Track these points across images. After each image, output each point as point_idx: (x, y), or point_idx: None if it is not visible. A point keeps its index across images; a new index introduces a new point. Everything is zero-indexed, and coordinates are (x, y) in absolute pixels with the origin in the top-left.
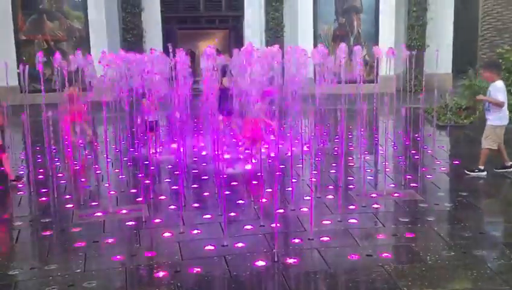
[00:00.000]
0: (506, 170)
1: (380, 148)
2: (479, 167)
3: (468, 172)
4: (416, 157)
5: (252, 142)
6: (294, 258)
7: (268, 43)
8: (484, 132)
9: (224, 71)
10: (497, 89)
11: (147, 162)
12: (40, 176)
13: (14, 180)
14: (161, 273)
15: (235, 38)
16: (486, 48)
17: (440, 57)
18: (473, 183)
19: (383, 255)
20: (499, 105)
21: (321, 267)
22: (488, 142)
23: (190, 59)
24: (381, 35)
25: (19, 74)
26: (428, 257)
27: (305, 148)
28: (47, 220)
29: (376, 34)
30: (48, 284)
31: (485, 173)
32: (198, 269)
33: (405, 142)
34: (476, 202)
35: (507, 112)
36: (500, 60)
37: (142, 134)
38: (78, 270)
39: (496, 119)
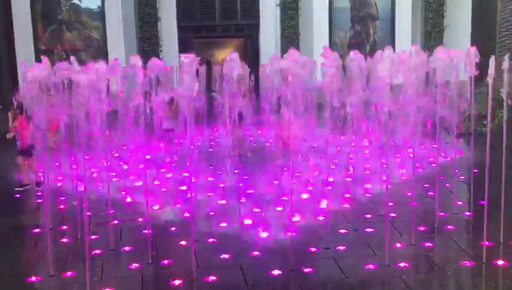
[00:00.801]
0: None
1: None
2: None
3: None
4: None
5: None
6: None
7: (283, 51)
8: None
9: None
10: None
11: None
12: None
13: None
14: None
15: (251, 47)
16: (504, 54)
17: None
18: None
19: None
20: None
21: None
22: None
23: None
24: (397, 43)
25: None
26: None
27: None
28: None
29: (392, 41)
30: None
31: None
32: None
33: None
34: None
35: None
36: None
37: None
38: None
39: None
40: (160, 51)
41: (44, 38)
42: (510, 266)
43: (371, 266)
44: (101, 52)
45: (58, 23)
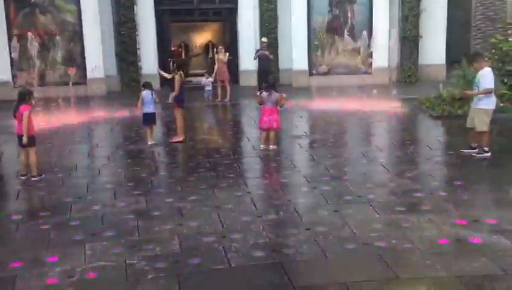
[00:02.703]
0: (471, 151)
1: None
2: (485, 148)
3: (475, 154)
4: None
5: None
6: None
7: (262, 36)
8: (475, 116)
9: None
10: (484, 76)
11: None
12: None
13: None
14: None
15: (229, 31)
16: (479, 38)
17: (433, 47)
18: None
19: None
20: (488, 92)
21: None
22: (484, 125)
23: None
24: (374, 26)
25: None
26: None
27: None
28: None
29: (370, 25)
30: None
31: (489, 153)
32: None
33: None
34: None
35: (494, 97)
36: (493, 50)
37: None
38: None
39: (487, 103)
40: (137, 35)
41: (17, 22)
42: (484, 243)
43: (350, 246)
44: (76, 37)
45: (31, 7)
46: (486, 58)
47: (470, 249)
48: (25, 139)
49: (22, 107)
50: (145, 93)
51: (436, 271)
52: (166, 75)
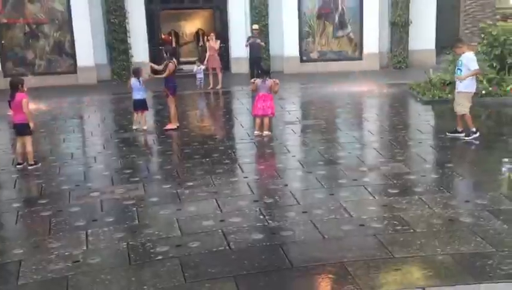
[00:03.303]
0: (457, 134)
1: None
2: (472, 129)
3: (465, 137)
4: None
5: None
6: None
7: (252, 22)
8: (456, 100)
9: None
10: (470, 59)
11: None
12: None
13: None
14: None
15: (219, 18)
16: (469, 22)
17: (423, 33)
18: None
19: None
20: (478, 73)
21: None
22: (464, 108)
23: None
24: (365, 12)
25: (1, 57)
26: None
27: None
28: None
29: (360, 11)
30: None
31: (477, 133)
32: None
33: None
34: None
35: (475, 81)
36: (482, 35)
37: None
38: None
39: (468, 86)
40: (127, 23)
41: (5, 11)
42: (475, 223)
43: (346, 227)
44: (65, 25)
45: None
46: (472, 43)
47: (462, 229)
48: (32, 126)
49: (19, 96)
50: (134, 81)
51: (429, 250)
52: (157, 67)
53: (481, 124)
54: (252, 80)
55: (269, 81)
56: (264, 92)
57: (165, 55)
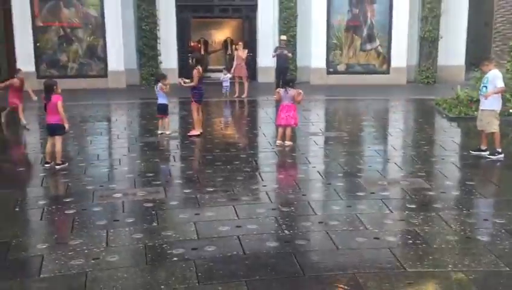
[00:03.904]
0: (481, 153)
1: None
2: (497, 150)
3: (489, 156)
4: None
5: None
6: None
7: (281, 33)
8: (483, 118)
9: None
10: (496, 76)
11: None
12: None
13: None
14: None
15: (248, 28)
16: (499, 40)
17: (453, 48)
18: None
19: None
20: (504, 91)
21: None
22: (493, 126)
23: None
24: (394, 26)
25: (36, 59)
26: None
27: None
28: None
29: (389, 24)
30: None
31: (502, 155)
32: None
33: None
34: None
35: (500, 98)
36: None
37: None
38: None
39: (493, 104)
40: (158, 30)
41: (42, 15)
42: (492, 241)
43: (361, 239)
44: (98, 30)
45: (55, 0)
46: (501, 61)
47: (478, 247)
48: (67, 127)
49: (55, 97)
50: (156, 86)
51: (443, 266)
52: (188, 82)
53: (508, 143)
54: (277, 90)
55: (292, 91)
56: (287, 102)
57: (190, 61)
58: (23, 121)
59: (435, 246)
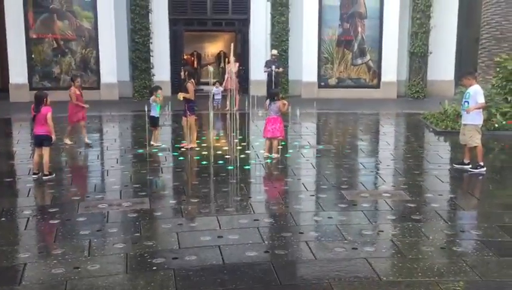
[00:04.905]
0: (463, 166)
1: None
2: (480, 163)
3: (471, 169)
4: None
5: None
6: None
7: (273, 47)
8: (466, 132)
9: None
10: (477, 92)
11: None
12: None
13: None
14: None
15: (241, 41)
16: (485, 56)
17: (442, 64)
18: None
19: None
20: (483, 107)
21: None
22: (475, 140)
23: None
24: (384, 41)
25: (28, 71)
26: None
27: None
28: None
29: (380, 40)
30: None
31: (484, 168)
32: None
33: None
34: None
35: (481, 113)
36: (498, 69)
37: None
38: None
39: (475, 119)
40: (151, 43)
41: (35, 26)
42: (466, 252)
43: (339, 249)
44: (91, 42)
45: (49, 12)
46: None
47: (452, 257)
48: (54, 138)
49: (44, 109)
50: (151, 98)
51: (417, 276)
52: (186, 95)
53: (494, 157)
54: (265, 102)
55: (278, 103)
56: (273, 115)
57: (183, 74)
58: (87, 140)
59: (410, 256)
